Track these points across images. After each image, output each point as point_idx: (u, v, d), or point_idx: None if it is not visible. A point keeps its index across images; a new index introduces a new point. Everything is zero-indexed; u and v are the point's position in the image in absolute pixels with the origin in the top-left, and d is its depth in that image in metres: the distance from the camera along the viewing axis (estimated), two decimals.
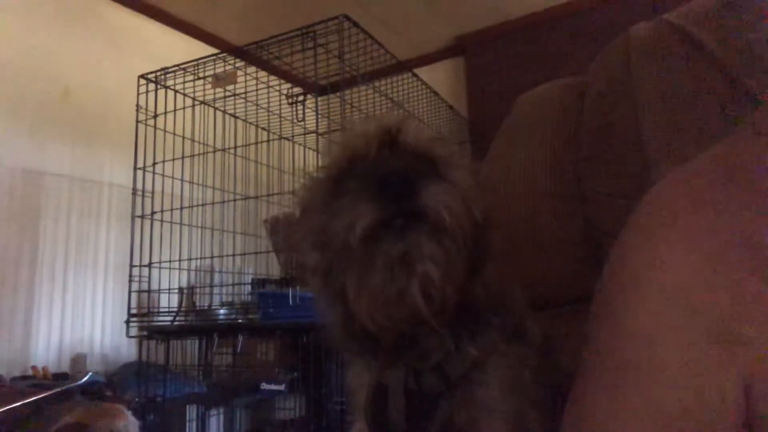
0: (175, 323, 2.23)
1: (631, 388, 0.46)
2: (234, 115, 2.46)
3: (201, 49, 2.90)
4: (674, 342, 0.45)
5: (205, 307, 2.44)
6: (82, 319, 2.50)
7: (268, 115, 2.39)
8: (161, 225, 2.18)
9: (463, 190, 0.58)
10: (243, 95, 2.28)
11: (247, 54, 2.15)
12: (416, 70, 2.77)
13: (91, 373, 2.00)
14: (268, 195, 2.37)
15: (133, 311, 2.17)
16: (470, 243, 0.57)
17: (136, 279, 2.14)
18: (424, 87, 2.79)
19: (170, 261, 2.21)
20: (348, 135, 0.65)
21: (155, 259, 2.16)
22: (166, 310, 2.29)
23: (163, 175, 2.20)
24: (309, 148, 2.41)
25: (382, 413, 0.63)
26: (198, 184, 2.33)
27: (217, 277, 2.52)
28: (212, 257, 2.38)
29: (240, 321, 2.20)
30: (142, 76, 2.23)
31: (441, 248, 0.54)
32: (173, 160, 2.23)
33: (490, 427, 0.59)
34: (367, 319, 0.56)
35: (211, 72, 2.19)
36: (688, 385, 0.43)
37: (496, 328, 0.62)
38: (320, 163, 0.67)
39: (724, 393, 0.42)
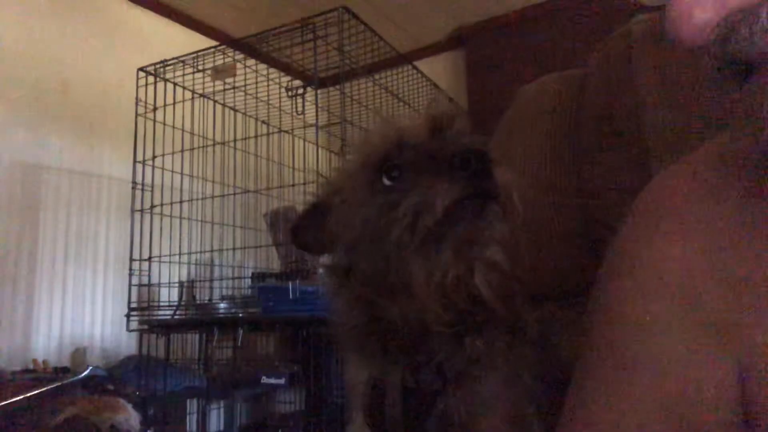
0: (176, 317, 2.23)
1: (630, 379, 0.46)
2: (234, 108, 2.45)
3: (200, 42, 2.88)
4: (672, 333, 0.45)
5: (206, 301, 2.44)
6: (82, 313, 2.50)
7: (268, 108, 2.38)
8: (161, 219, 2.18)
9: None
10: (242, 88, 2.27)
11: (247, 46, 2.14)
12: (416, 63, 2.76)
13: (91, 367, 2.01)
14: (267, 188, 2.37)
15: (134, 305, 2.17)
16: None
17: (136, 273, 2.14)
18: (424, 79, 2.78)
19: (170, 255, 2.21)
20: (380, 128, 0.62)
21: (155, 252, 2.16)
22: (167, 303, 2.29)
23: (162, 169, 2.19)
24: (309, 142, 2.41)
25: (380, 410, 0.63)
26: (198, 178, 2.32)
27: (217, 271, 2.52)
28: (212, 251, 2.37)
29: (240, 315, 2.21)
30: (141, 69, 2.22)
31: (510, 231, 0.53)
32: (173, 153, 2.22)
33: (488, 422, 0.59)
34: (430, 302, 0.54)
35: (211, 65, 2.17)
36: (686, 374, 0.43)
37: (498, 322, 0.61)
38: (347, 153, 0.64)
39: (722, 382, 0.42)
